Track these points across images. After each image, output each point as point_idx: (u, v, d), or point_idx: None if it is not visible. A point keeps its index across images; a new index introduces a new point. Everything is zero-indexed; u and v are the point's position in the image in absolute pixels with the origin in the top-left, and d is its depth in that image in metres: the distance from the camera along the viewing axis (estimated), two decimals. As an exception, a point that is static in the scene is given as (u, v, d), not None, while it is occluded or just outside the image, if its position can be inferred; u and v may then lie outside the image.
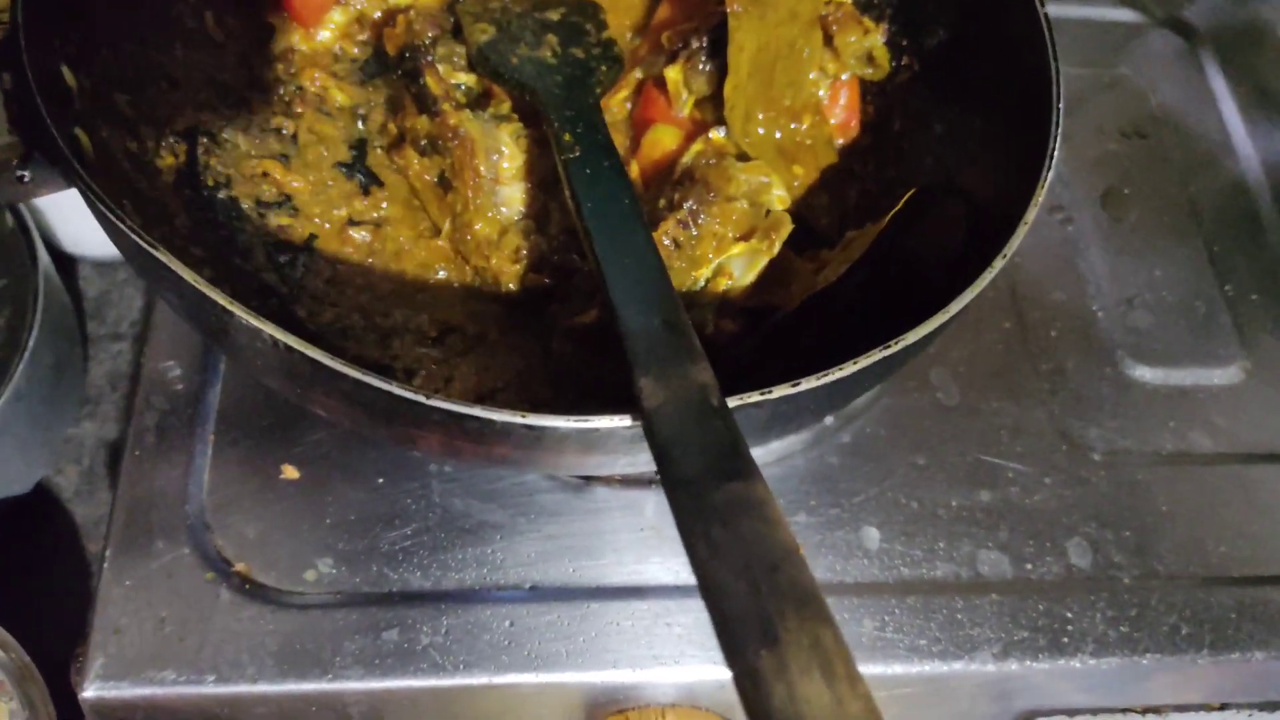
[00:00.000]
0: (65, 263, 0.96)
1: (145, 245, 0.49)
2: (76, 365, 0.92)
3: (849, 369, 0.52)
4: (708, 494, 0.43)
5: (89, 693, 0.63)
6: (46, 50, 0.57)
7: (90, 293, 0.96)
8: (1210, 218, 0.95)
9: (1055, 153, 0.63)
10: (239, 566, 0.68)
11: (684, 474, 0.44)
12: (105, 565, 0.67)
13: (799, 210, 0.76)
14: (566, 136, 0.66)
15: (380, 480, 0.72)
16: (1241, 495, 0.81)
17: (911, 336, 0.54)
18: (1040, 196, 0.61)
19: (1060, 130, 0.63)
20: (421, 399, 0.47)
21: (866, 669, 0.70)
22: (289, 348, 0.47)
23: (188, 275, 0.48)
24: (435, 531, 0.71)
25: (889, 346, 0.53)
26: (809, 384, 0.51)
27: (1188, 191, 0.96)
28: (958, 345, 0.83)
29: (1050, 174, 0.62)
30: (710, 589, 0.40)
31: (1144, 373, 0.85)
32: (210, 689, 0.64)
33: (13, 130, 0.53)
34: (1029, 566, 0.76)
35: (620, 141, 0.80)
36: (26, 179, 0.55)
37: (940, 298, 0.63)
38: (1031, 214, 0.60)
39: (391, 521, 0.71)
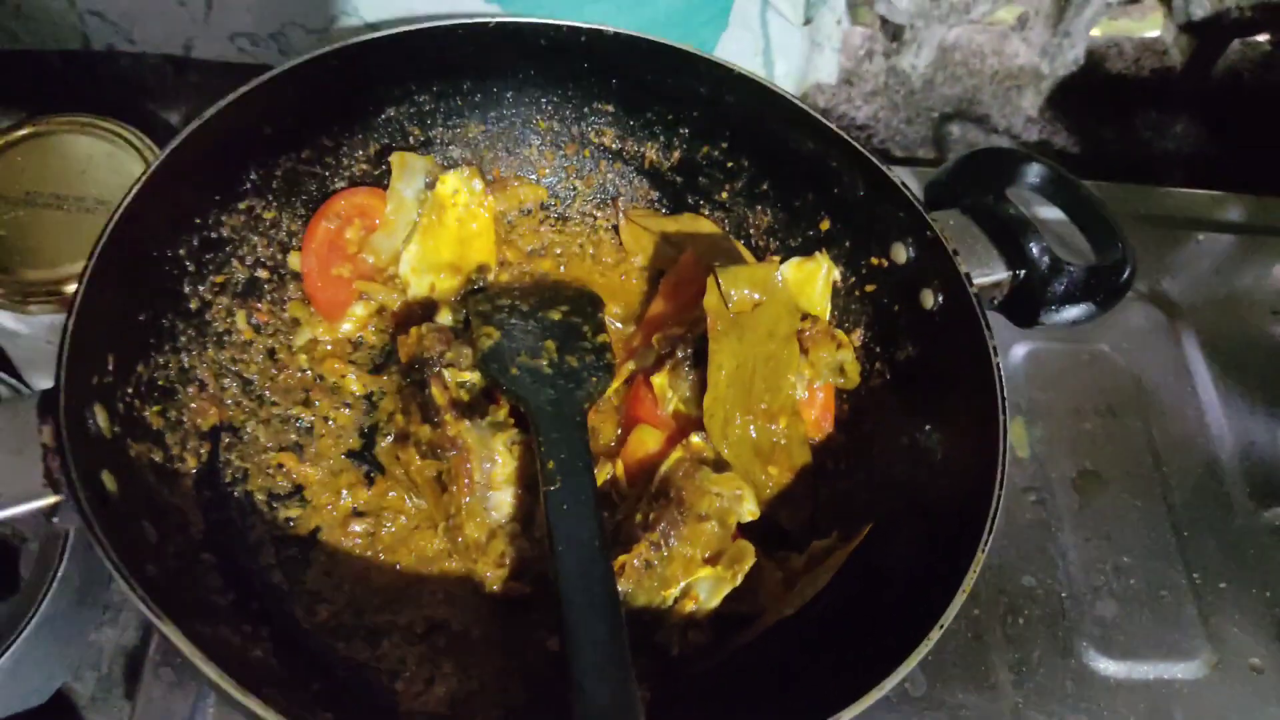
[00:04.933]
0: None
1: (153, 615, 0.55)
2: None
3: (785, 750, 0.56)
4: None
5: None
6: (83, 394, 0.64)
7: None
8: (1181, 499, 0.98)
9: (997, 513, 0.67)
10: None
11: None
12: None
13: (771, 511, 0.81)
14: (550, 464, 0.72)
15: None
16: (1201, 800, 0.83)
17: (846, 715, 0.58)
18: (980, 560, 0.65)
19: (1004, 490, 0.68)
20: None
21: None
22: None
23: (182, 644, 0.54)
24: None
25: (825, 724, 0.57)
26: (746, 764, 0.56)
27: (1160, 472, 1.00)
28: (923, 637, 0.87)
29: (992, 535, 0.67)
30: None
31: (1107, 665, 0.88)
32: None
33: (45, 485, 0.60)
34: None
35: (609, 431, 0.86)
36: (56, 521, 0.61)
37: (905, 605, 0.68)
38: (970, 580, 0.64)
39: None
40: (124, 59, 1.14)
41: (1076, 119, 1.32)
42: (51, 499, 0.60)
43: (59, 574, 0.86)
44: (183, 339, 0.78)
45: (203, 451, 0.77)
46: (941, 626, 0.62)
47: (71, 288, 0.81)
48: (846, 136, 0.83)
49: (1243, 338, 1.09)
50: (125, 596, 0.96)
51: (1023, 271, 0.79)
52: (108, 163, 0.90)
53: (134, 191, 0.70)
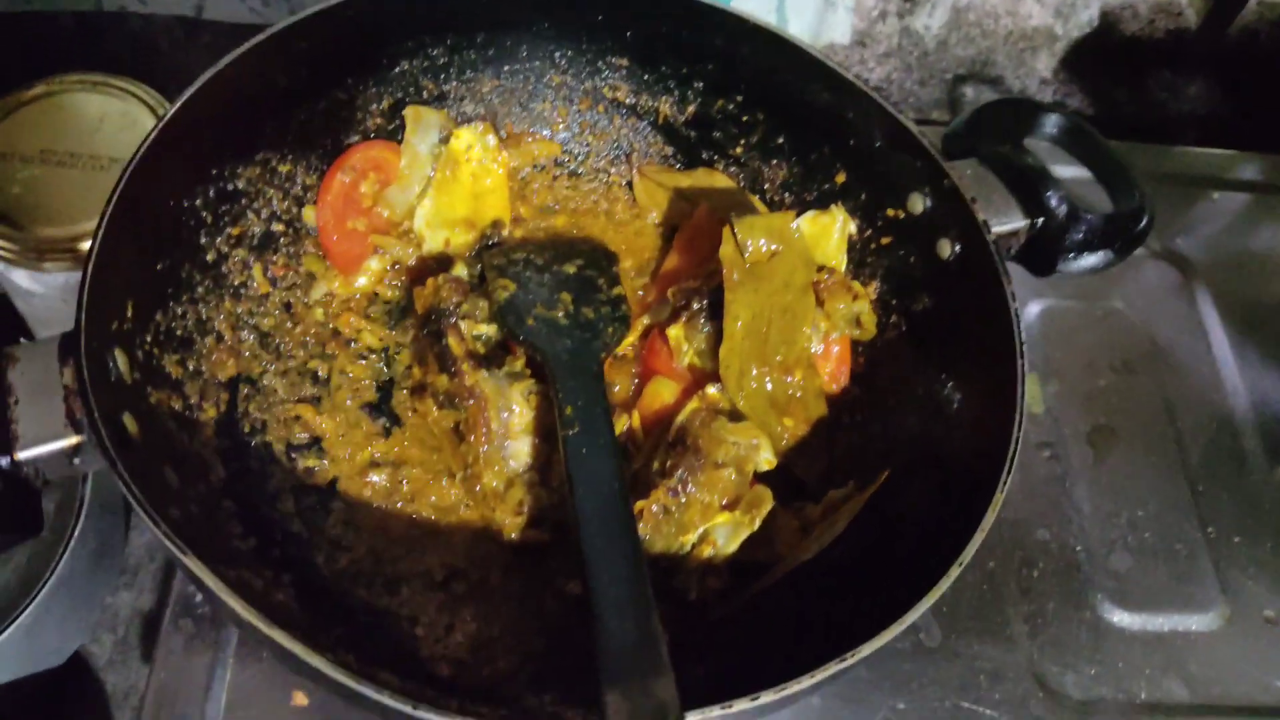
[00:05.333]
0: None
1: (177, 550, 0.55)
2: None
3: (805, 682, 0.56)
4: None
5: None
6: (104, 338, 0.65)
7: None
8: (1196, 455, 0.98)
9: (1015, 454, 0.67)
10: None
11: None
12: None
13: (787, 462, 0.81)
14: (568, 410, 0.72)
15: None
16: (1216, 749, 0.83)
17: (866, 649, 0.58)
18: (999, 500, 0.65)
19: (1021, 432, 0.68)
20: (406, 708, 0.53)
21: None
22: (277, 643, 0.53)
23: (209, 578, 0.54)
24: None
25: (844, 659, 0.58)
26: (769, 696, 0.56)
27: (1175, 427, 1.00)
28: (940, 586, 0.87)
29: (1011, 474, 0.67)
30: None
31: (1122, 617, 0.88)
32: None
33: (67, 425, 0.60)
34: (1000, 818, 0.78)
35: (625, 384, 0.86)
36: (78, 463, 0.62)
37: (922, 550, 0.68)
38: (990, 518, 0.64)
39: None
40: (135, 20, 1.14)
41: (1090, 80, 1.31)
42: (73, 439, 0.60)
43: (75, 535, 0.87)
44: (200, 290, 0.78)
45: (221, 401, 0.78)
46: (961, 564, 0.62)
47: (85, 245, 0.82)
48: (864, 87, 0.82)
49: (1257, 296, 1.09)
50: (141, 561, 0.99)
51: (1041, 220, 0.79)
52: (121, 121, 0.90)
53: (152, 137, 0.70)
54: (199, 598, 0.80)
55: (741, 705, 0.55)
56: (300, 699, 0.76)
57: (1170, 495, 0.95)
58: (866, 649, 0.58)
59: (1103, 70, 1.31)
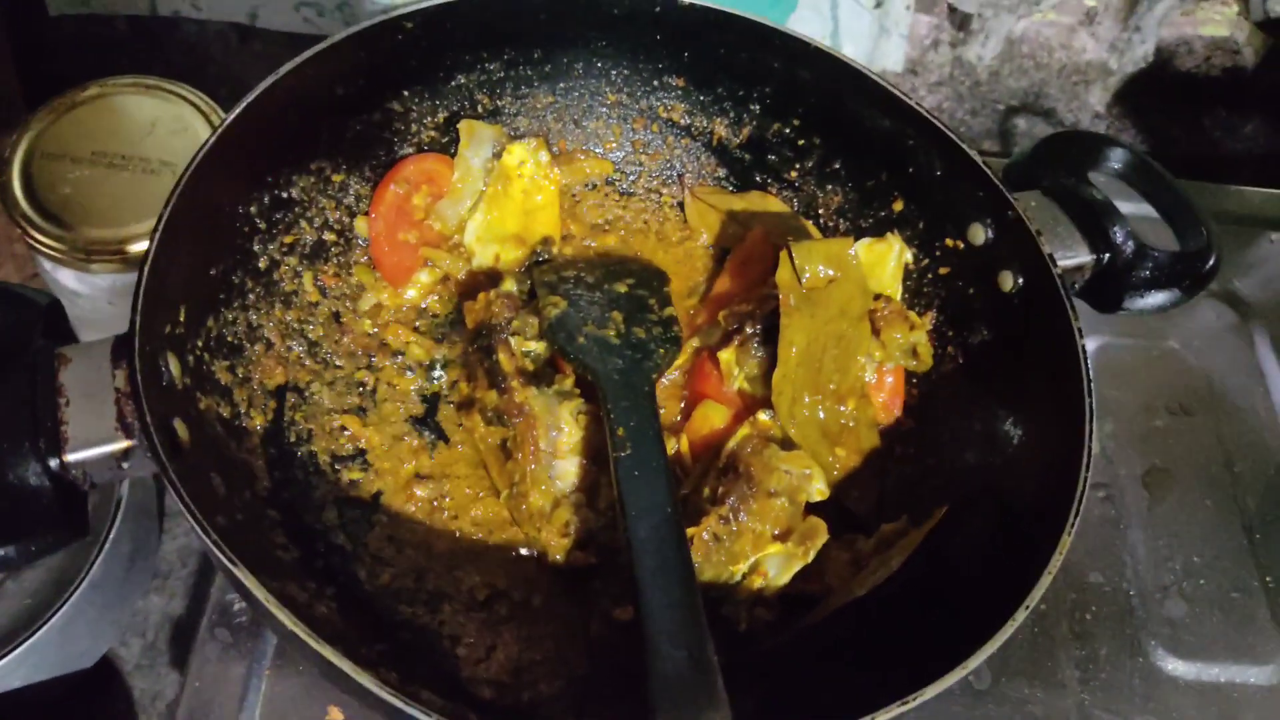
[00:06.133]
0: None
1: (226, 560, 0.54)
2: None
3: (865, 724, 0.55)
4: None
5: None
6: (157, 341, 0.64)
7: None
8: (1254, 502, 0.96)
9: (1083, 494, 0.65)
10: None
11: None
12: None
13: (838, 493, 0.79)
14: (620, 430, 0.70)
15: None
16: (1273, 808, 0.80)
17: (930, 691, 0.56)
18: (1067, 543, 0.63)
19: (1089, 470, 0.66)
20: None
21: None
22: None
23: (257, 590, 0.53)
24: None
25: (906, 701, 0.56)
26: (827, 738, 0.54)
27: (1232, 472, 0.97)
28: (990, 629, 0.85)
29: (1078, 516, 0.65)
30: None
31: (1176, 666, 0.86)
32: None
33: (118, 429, 0.59)
34: None
35: (673, 408, 0.85)
36: (126, 468, 0.61)
37: (980, 590, 0.66)
38: (1057, 561, 0.62)
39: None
40: (189, 26, 1.14)
41: (1144, 116, 1.30)
42: (124, 443, 0.59)
43: (110, 537, 0.86)
44: (251, 296, 0.78)
45: (269, 409, 0.77)
46: (1028, 608, 0.60)
47: (134, 247, 0.82)
48: (927, 113, 0.81)
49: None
50: (173, 566, 0.98)
51: (1107, 255, 0.77)
52: (173, 125, 0.90)
53: (210, 142, 0.69)
54: (236, 607, 0.79)
55: (800, 746, 0.53)
56: (336, 714, 0.75)
57: (1227, 542, 0.93)
58: (930, 691, 0.56)
59: (1157, 106, 1.30)
